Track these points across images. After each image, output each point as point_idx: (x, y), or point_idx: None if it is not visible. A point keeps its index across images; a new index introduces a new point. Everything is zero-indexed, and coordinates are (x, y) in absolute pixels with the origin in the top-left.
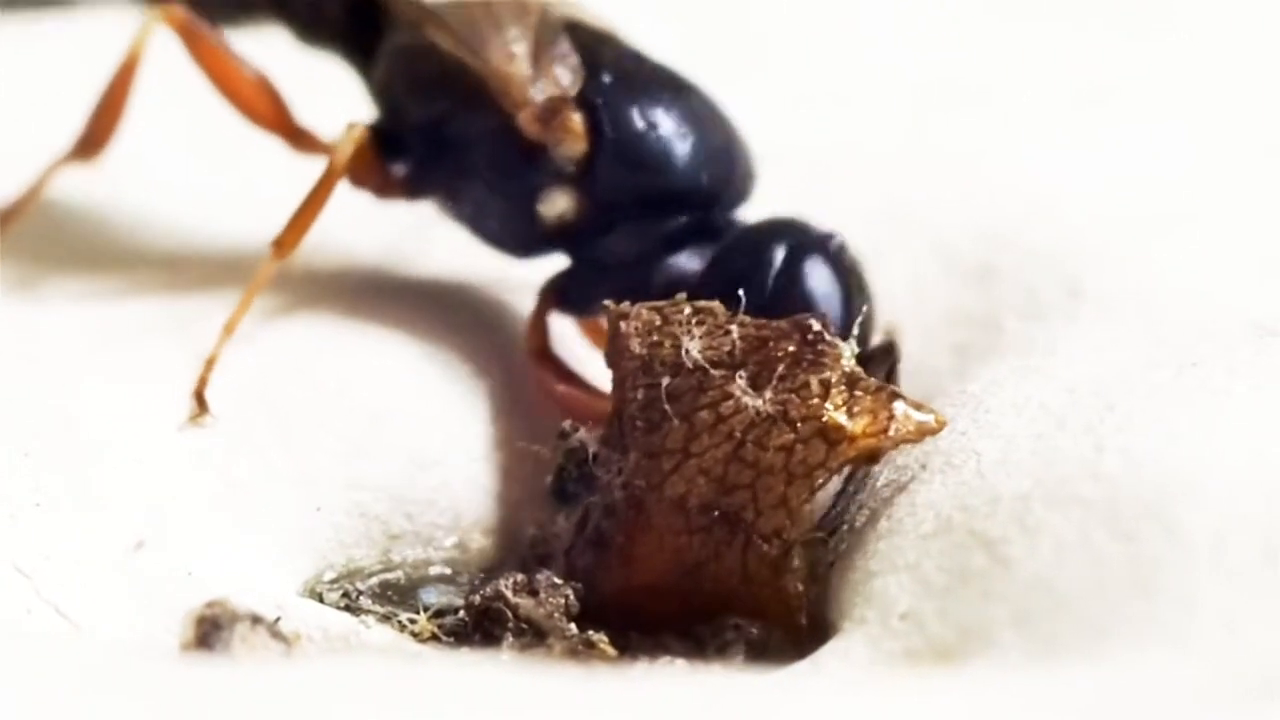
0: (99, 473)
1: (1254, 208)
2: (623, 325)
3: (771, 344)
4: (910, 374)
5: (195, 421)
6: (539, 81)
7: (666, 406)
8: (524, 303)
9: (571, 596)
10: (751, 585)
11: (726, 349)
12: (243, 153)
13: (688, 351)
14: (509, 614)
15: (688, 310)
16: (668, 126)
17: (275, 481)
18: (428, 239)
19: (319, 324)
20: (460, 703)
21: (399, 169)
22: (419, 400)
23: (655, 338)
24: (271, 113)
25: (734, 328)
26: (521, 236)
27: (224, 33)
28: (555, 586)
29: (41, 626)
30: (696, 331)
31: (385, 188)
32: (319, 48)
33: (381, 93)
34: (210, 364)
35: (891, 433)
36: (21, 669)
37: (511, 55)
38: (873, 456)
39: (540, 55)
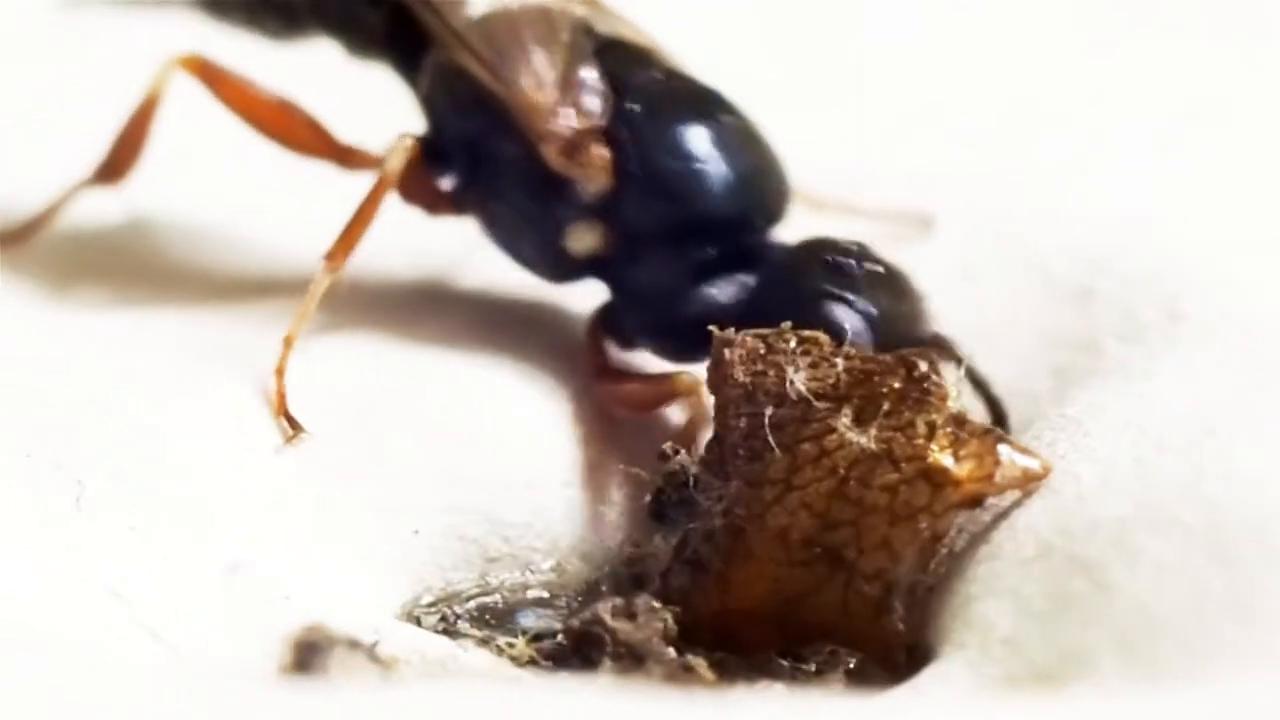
0: (193, 495)
1: None
2: (727, 353)
3: (877, 379)
4: (1009, 397)
5: (291, 442)
6: (565, 112)
7: (769, 437)
8: None
9: (669, 620)
10: (851, 620)
11: (831, 381)
12: (299, 168)
13: (792, 382)
14: (607, 638)
15: (793, 341)
16: (695, 159)
17: (372, 505)
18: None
19: (414, 346)
20: None
21: (446, 182)
22: (516, 422)
23: (759, 366)
24: (311, 138)
25: (839, 360)
26: (553, 264)
27: (245, 74)
28: (653, 610)
29: (137, 651)
30: (801, 362)
31: (434, 202)
32: (368, 59)
33: (427, 106)
34: (280, 378)
35: (997, 479)
36: (119, 694)
37: (538, 84)
38: (976, 501)
39: (568, 82)
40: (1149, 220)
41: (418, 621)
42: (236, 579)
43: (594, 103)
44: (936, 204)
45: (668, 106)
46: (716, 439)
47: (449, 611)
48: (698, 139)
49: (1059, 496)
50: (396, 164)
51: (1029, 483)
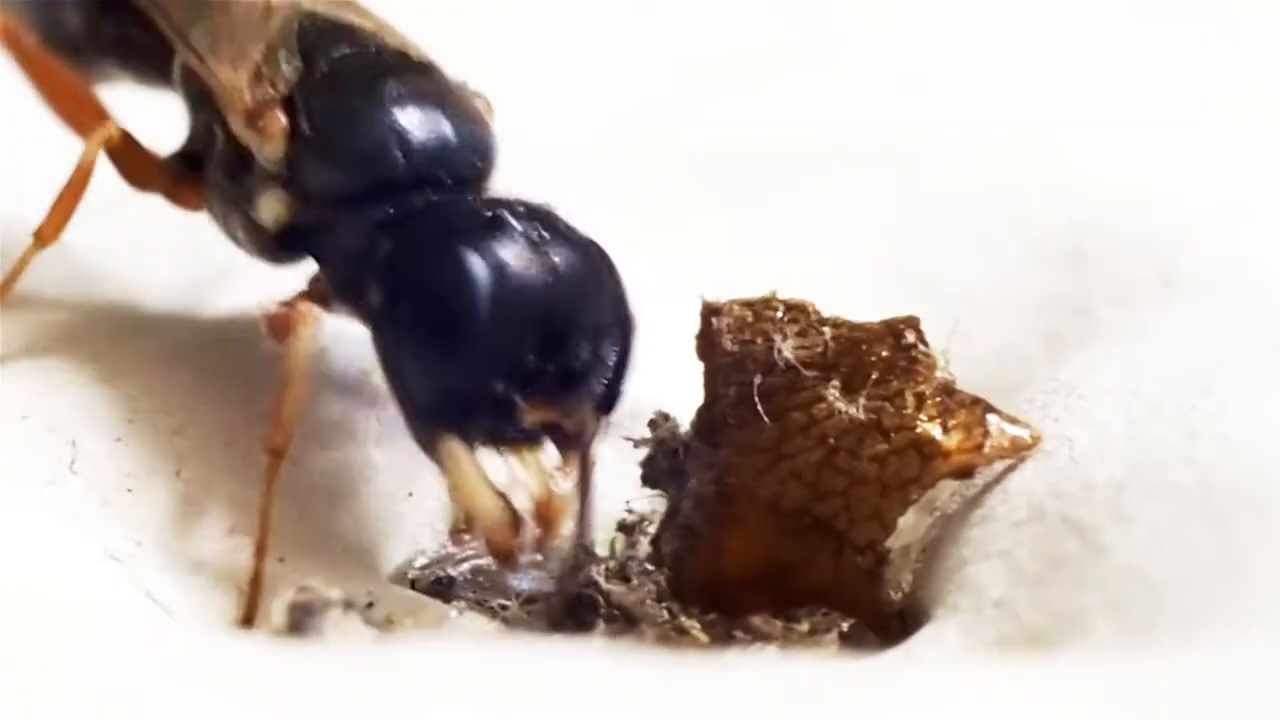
0: (192, 457)
1: None
2: (715, 321)
3: (864, 347)
4: (1001, 360)
5: None
6: (257, 87)
7: (759, 405)
8: None
9: (662, 582)
10: (843, 589)
11: (819, 349)
12: None
13: (780, 351)
14: (600, 600)
15: (780, 309)
16: (365, 119)
17: (368, 467)
18: None
19: None
20: (552, 689)
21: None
22: None
23: (747, 335)
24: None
25: (827, 329)
26: (256, 241)
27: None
28: (647, 573)
29: (134, 613)
30: (789, 330)
31: (173, 192)
32: (154, 87)
33: (188, 114)
34: None
35: (986, 449)
36: (115, 655)
37: (237, 64)
38: (966, 472)
39: (268, 61)
40: (1141, 184)
41: (412, 584)
42: (233, 541)
43: (281, 77)
44: (930, 168)
45: (344, 75)
46: (707, 406)
47: (443, 574)
48: (368, 103)
49: (1052, 460)
50: (93, 148)
51: (1018, 452)
